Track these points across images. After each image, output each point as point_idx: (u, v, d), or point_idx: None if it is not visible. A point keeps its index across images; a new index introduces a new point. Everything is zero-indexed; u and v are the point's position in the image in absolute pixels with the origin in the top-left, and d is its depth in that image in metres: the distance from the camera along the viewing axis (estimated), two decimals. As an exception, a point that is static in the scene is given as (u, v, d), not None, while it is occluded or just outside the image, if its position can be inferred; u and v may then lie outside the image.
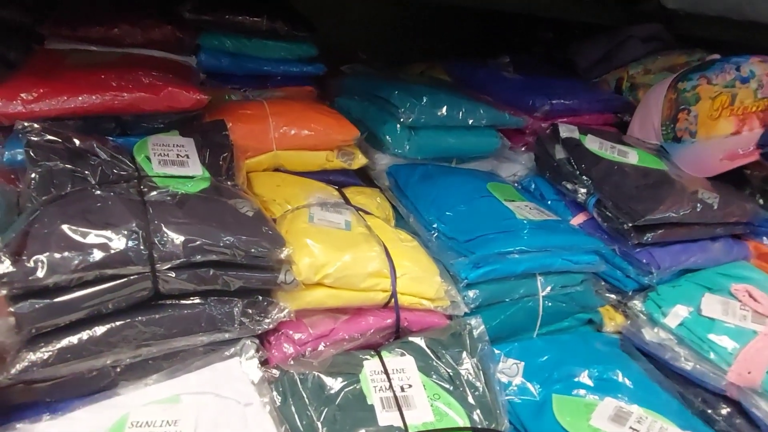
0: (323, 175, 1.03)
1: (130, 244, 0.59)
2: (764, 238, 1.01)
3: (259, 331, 0.68)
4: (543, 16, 1.42)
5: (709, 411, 0.82)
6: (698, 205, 0.96)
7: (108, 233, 0.59)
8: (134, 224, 0.60)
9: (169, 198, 0.66)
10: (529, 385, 0.81)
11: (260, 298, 0.68)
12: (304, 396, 0.67)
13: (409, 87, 1.09)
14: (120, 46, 1.10)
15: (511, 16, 1.57)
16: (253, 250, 0.64)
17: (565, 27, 1.48)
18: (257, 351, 0.69)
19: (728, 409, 0.80)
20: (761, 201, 1.01)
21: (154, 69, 0.92)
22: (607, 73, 1.35)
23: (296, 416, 0.65)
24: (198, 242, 0.61)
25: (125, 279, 0.59)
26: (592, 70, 1.36)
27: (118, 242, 0.59)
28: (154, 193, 0.66)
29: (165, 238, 0.60)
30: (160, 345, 0.63)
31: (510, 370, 0.83)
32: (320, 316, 0.75)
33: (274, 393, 0.67)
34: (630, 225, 0.93)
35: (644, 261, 0.93)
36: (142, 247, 0.59)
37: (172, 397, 0.61)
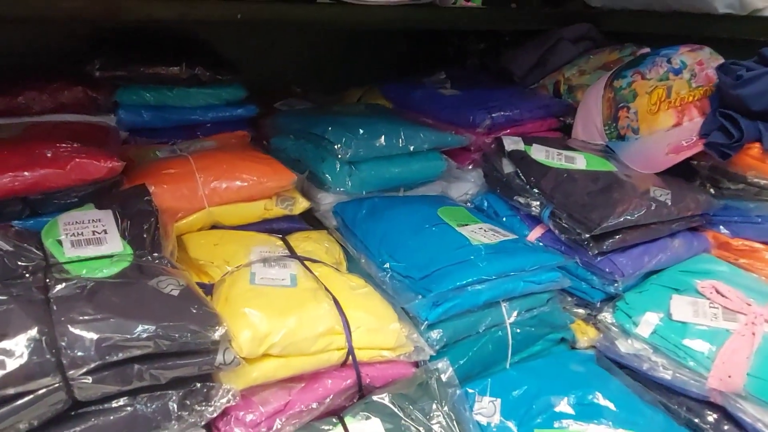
0: (265, 225, 0.96)
1: (33, 355, 0.51)
2: (721, 227, 1.00)
3: (203, 423, 0.61)
4: (471, 29, 1.41)
5: (696, 420, 0.78)
6: (652, 204, 0.93)
7: (5, 346, 0.51)
8: (35, 330, 0.52)
9: (78, 290, 0.58)
10: (509, 423, 0.76)
11: (198, 385, 0.60)
12: (264, 487, 0.60)
13: (343, 121, 1.04)
14: (28, 115, 1.02)
15: (441, 31, 1.55)
16: (179, 337, 0.56)
17: (495, 36, 1.46)
18: (204, 443, 0.62)
19: (715, 416, 0.77)
20: (712, 191, 1.00)
21: (62, 138, 0.84)
22: (543, 78, 1.33)
23: None
24: (112, 340, 0.53)
25: (33, 395, 0.51)
26: (528, 77, 1.34)
27: (19, 356, 0.51)
28: (61, 286, 0.59)
29: (73, 341, 0.52)
30: (88, 460, 0.55)
31: (487, 410, 0.78)
32: (272, 389, 0.68)
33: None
34: (587, 235, 0.90)
35: (607, 270, 0.90)
36: (47, 356, 0.52)
37: None
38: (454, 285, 0.79)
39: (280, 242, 0.91)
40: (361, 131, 0.99)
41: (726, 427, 0.76)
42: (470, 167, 1.15)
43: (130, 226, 0.75)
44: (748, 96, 0.94)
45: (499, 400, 0.79)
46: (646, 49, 1.16)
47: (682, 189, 0.99)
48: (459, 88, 1.29)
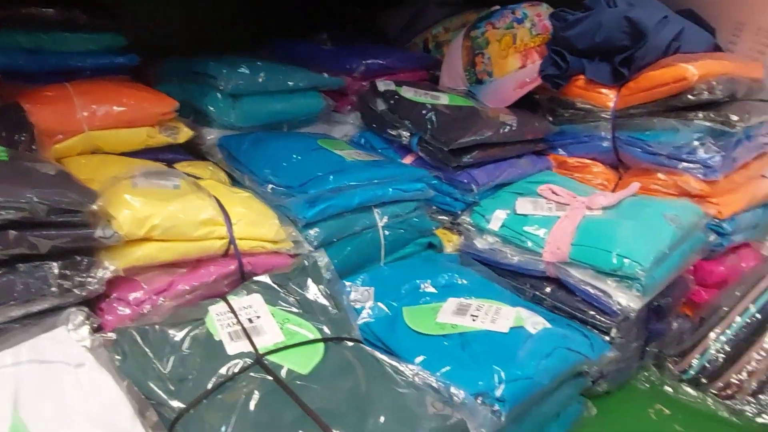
0: (149, 154, 0.99)
1: None
2: (559, 149, 1.18)
3: (85, 295, 0.64)
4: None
5: (537, 293, 0.93)
6: (501, 127, 1.09)
7: None
8: None
9: (-52, 165, 0.59)
10: (381, 305, 0.85)
11: (78, 258, 0.64)
12: (147, 351, 0.64)
13: (226, 59, 1.10)
14: None
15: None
16: (58, 202, 0.60)
17: (371, 2, 1.59)
18: (87, 318, 0.65)
19: (551, 287, 0.92)
20: (550, 118, 1.17)
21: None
22: (414, 37, 1.48)
23: (140, 371, 0.62)
24: (-12, 199, 0.56)
25: None
26: (401, 37, 1.48)
27: None
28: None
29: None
30: (-36, 325, 0.57)
31: (362, 297, 0.87)
32: (156, 272, 0.72)
33: (113, 354, 0.63)
34: (447, 150, 1.03)
35: (465, 181, 1.04)
36: None
37: (-15, 376, 0.56)
38: (329, 187, 0.88)
39: (165, 168, 0.95)
40: (242, 66, 1.06)
41: (560, 294, 0.91)
42: (349, 108, 1.26)
43: (3, 136, 0.76)
44: (573, 36, 1.12)
45: (372, 288, 0.89)
46: (497, 7, 1.33)
47: (527, 117, 1.16)
48: (338, 45, 1.40)
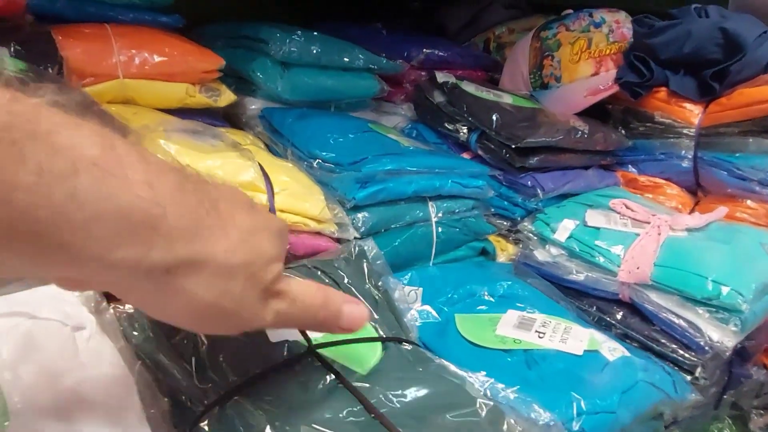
0: (185, 116, 0.89)
1: None
2: (629, 166, 1.07)
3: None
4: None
5: (605, 317, 0.81)
6: (571, 132, 0.98)
7: None
8: None
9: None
10: (429, 308, 0.74)
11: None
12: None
13: (279, 24, 1.01)
14: None
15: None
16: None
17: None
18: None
19: (622, 312, 0.80)
20: (623, 131, 1.07)
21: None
22: (474, 36, 1.38)
23: (162, 354, 0.51)
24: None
25: None
26: (460, 34, 1.39)
27: None
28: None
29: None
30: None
31: (409, 297, 0.76)
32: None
33: (130, 330, 0.52)
34: (512, 148, 0.92)
35: (529, 184, 0.93)
36: None
37: (-35, 325, 0.45)
38: (385, 168, 0.78)
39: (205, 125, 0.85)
40: (297, 34, 0.97)
41: (632, 321, 0.79)
42: (402, 98, 1.16)
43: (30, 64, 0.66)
44: (658, 44, 1.02)
45: (420, 289, 0.78)
46: (570, 10, 1.24)
47: (598, 126, 1.05)
48: (394, 34, 1.31)
